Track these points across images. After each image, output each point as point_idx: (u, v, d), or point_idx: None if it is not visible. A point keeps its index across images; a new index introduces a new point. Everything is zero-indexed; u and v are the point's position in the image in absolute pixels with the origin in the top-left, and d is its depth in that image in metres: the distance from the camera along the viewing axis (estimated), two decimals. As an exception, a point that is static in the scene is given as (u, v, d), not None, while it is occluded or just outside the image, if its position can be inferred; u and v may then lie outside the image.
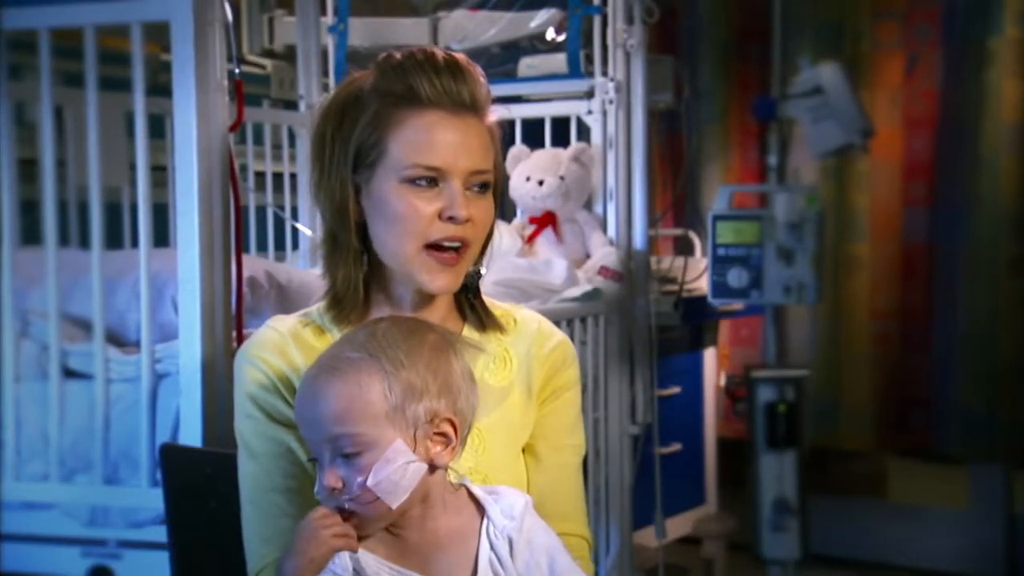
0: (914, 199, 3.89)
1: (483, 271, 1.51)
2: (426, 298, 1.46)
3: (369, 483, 1.24)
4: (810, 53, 3.38)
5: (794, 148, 3.33)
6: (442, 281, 1.42)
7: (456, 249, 1.41)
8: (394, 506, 1.26)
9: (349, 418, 1.25)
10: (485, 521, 1.29)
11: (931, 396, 3.87)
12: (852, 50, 3.89)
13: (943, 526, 3.97)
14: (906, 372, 3.91)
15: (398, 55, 1.43)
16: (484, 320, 1.51)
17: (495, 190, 1.47)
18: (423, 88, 1.39)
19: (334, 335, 1.45)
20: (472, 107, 1.41)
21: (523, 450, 1.51)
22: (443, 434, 1.28)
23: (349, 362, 1.27)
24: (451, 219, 1.39)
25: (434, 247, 1.40)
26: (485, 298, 1.53)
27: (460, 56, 1.43)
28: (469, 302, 1.51)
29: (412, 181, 1.39)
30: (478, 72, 1.43)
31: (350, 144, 1.42)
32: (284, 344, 1.44)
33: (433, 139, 1.39)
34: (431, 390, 1.27)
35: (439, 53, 1.42)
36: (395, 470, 1.25)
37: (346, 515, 1.27)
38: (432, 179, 1.39)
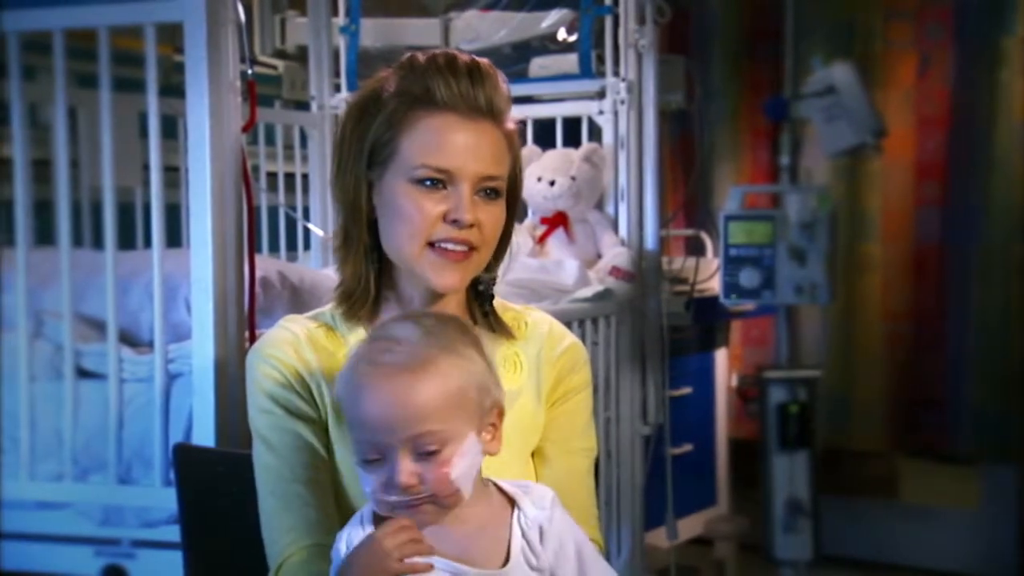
0: (926, 199, 3.88)
1: (498, 278, 1.51)
2: (435, 299, 1.45)
3: (453, 476, 1.24)
4: (822, 53, 3.37)
5: (806, 148, 3.32)
6: (449, 279, 1.41)
7: (463, 249, 1.41)
8: (467, 496, 1.27)
9: (437, 416, 1.24)
10: (516, 511, 1.30)
11: (943, 397, 3.86)
12: (864, 50, 3.88)
13: (955, 527, 3.96)
14: (918, 372, 3.90)
15: (421, 57, 1.42)
16: (495, 326, 1.50)
17: (513, 196, 1.46)
18: (439, 90, 1.39)
19: (344, 334, 1.46)
20: (488, 112, 1.41)
21: (533, 453, 1.51)
22: (495, 424, 1.30)
23: (427, 359, 1.25)
24: (455, 222, 1.39)
25: (440, 245, 1.40)
26: (497, 299, 1.53)
27: (483, 61, 1.43)
28: (482, 309, 1.51)
29: (420, 182, 1.39)
30: (499, 78, 1.43)
31: (366, 141, 1.42)
32: (297, 343, 1.44)
33: (444, 141, 1.39)
34: (494, 380, 1.30)
35: (462, 57, 1.41)
36: (471, 462, 1.26)
37: (417, 504, 1.25)
38: (440, 181, 1.39)
